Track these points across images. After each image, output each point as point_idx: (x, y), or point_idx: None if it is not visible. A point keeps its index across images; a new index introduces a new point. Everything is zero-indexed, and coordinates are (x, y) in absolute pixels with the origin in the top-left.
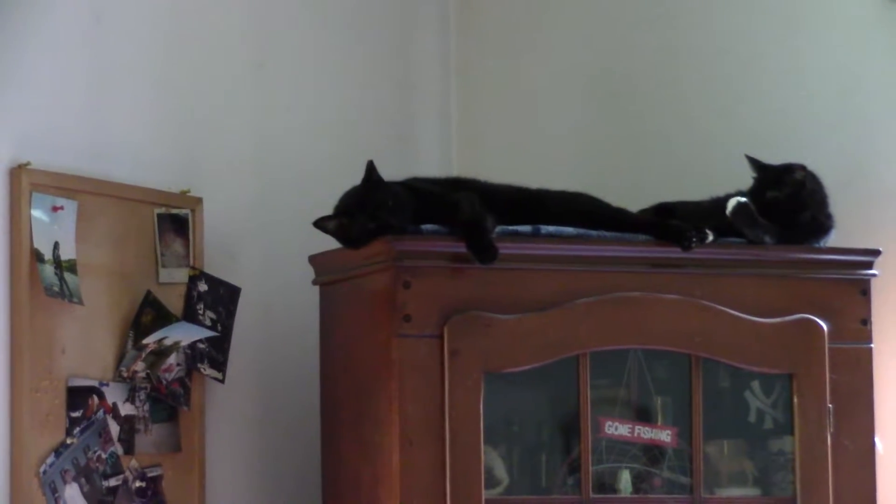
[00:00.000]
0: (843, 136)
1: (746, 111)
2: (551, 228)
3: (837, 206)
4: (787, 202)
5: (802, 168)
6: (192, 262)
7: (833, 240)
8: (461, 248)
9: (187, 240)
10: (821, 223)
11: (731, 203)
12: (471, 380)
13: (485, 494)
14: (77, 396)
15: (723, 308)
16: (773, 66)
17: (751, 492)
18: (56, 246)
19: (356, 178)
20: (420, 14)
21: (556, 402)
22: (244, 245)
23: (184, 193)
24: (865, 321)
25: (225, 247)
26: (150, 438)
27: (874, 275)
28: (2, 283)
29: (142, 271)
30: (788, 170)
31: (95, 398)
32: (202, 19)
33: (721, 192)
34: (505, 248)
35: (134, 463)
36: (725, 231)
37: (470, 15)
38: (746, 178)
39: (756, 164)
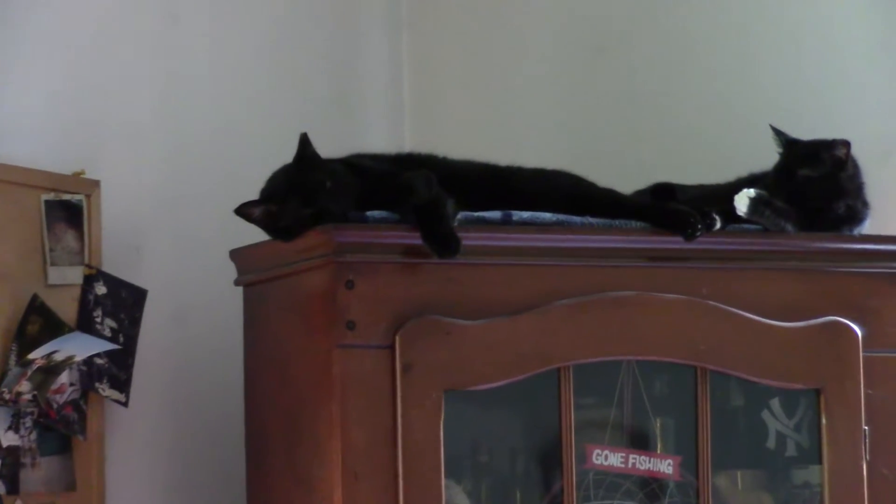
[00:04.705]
0: (880, 106)
1: (765, 74)
2: (525, 214)
3: (873, 186)
4: (822, 184)
5: (845, 144)
6: (87, 260)
7: (868, 228)
8: (416, 238)
9: (82, 232)
10: (856, 212)
11: (742, 200)
12: (429, 399)
13: None
14: None
15: (734, 310)
16: (798, 23)
17: None
18: None
19: (287, 155)
20: None
21: (533, 426)
22: (151, 238)
23: (77, 175)
24: None
25: (128, 240)
26: (38, 474)
27: None
28: None
29: (26, 271)
30: (828, 145)
31: None
32: None
33: (731, 176)
34: (469, 239)
35: None
36: (736, 216)
37: None
38: (764, 156)
39: (783, 137)
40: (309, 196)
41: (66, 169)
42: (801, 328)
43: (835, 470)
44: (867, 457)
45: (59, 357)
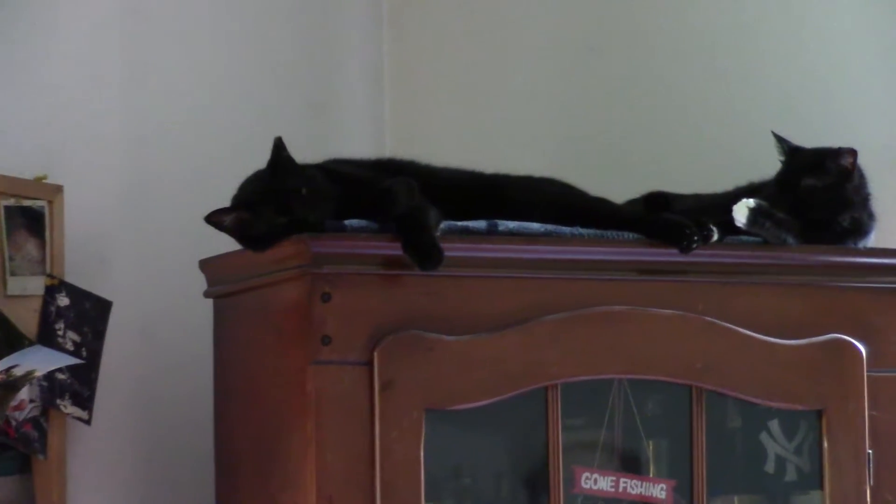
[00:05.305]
0: (887, 113)
1: (767, 77)
2: (512, 224)
3: (879, 197)
4: (827, 194)
5: (852, 153)
6: (49, 269)
7: (873, 241)
8: (396, 249)
9: (43, 240)
10: (861, 224)
11: (741, 211)
12: (409, 419)
13: None
14: None
15: (732, 326)
16: (801, 23)
17: None
18: None
19: (261, 160)
20: None
21: (519, 447)
22: (117, 247)
23: (39, 180)
24: None
25: (92, 249)
26: None
27: None
28: None
29: None
30: (834, 154)
31: None
32: None
33: (730, 185)
34: (452, 250)
35: None
36: (735, 227)
37: None
38: (765, 164)
39: (786, 144)
40: (283, 203)
41: (27, 173)
42: (803, 346)
43: (837, 496)
44: (871, 482)
45: (18, 372)
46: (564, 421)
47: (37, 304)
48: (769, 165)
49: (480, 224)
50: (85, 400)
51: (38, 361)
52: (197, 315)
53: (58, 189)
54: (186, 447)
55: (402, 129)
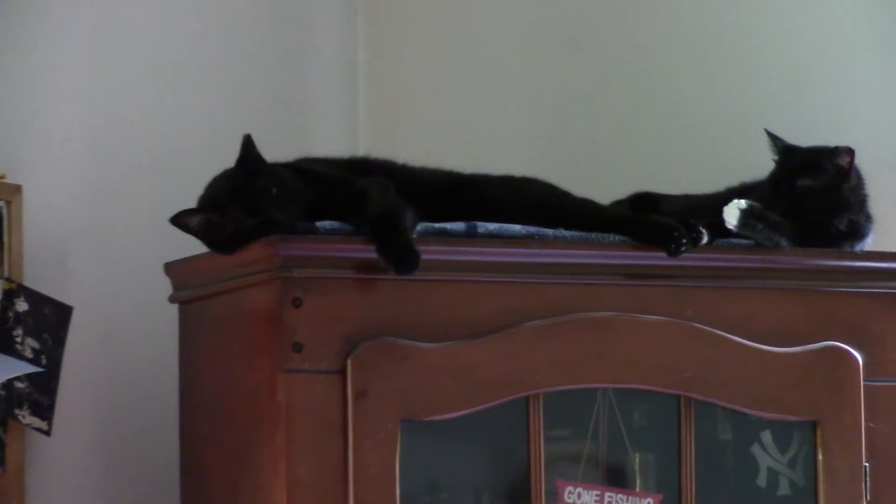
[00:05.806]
0: (885, 111)
1: (761, 73)
2: (492, 226)
3: (877, 199)
4: (823, 195)
5: (849, 152)
6: (7, 273)
7: (870, 244)
8: (370, 252)
9: (1, 242)
10: (858, 226)
11: (732, 212)
12: (383, 430)
13: None
14: None
15: (723, 333)
16: (798, 17)
17: None
18: None
19: (229, 158)
20: None
21: (499, 460)
22: (78, 249)
23: None
24: None
25: (52, 251)
26: None
27: None
28: None
29: None
30: (830, 153)
31: None
32: None
33: (721, 186)
34: (429, 253)
35: None
36: (726, 230)
37: None
38: (758, 164)
39: (780, 143)
40: (253, 204)
41: None
42: (796, 354)
43: None
44: (868, 496)
45: None
46: (547, 432)
47: None
48: (763, 165)
49: (459, 226)
50: (44, 410)
51: None
52: (162, 321)
53: (17, 189)
54: (151, 458)
55: (377, 127)
